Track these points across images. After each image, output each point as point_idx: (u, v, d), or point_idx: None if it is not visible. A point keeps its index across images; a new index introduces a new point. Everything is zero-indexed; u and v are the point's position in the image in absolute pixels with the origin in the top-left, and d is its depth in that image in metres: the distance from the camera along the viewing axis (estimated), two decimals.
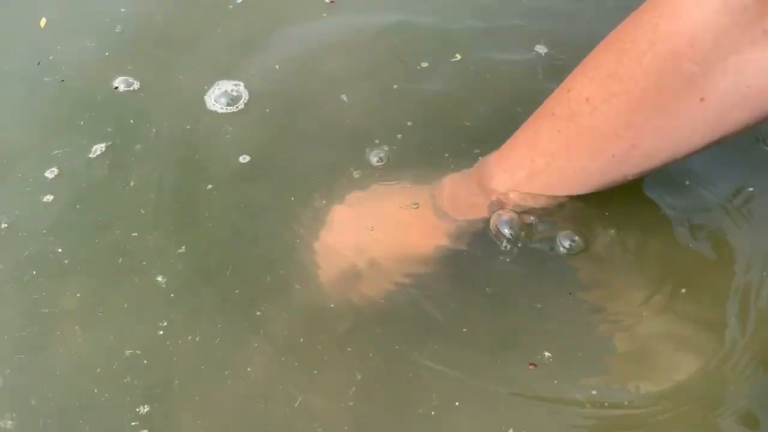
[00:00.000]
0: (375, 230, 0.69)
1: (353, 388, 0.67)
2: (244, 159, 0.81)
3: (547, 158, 0.62)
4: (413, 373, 0.66)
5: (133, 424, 0.66)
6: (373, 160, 0.79)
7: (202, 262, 0.75)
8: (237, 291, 0.73)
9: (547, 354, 0.65)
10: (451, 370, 0.65)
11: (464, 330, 0.67)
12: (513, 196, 0.66)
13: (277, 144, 0.82)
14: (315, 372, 0.68)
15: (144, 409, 0.67)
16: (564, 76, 0.63)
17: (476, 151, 0.74)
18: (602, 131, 0.58)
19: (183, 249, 0.75)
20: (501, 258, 0.69)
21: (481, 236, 0.69)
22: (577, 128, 0.59)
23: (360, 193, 0.73)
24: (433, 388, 0.64)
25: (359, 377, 0.67)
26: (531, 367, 0.62)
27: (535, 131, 0.63)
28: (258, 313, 0.72)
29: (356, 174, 0.78)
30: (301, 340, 0.70)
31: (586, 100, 0.57)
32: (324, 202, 0.77)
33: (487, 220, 0.68)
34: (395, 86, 0.86)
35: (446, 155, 0.78)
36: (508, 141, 0.67)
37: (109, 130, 0.83)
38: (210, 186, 0.79)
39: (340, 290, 0.69)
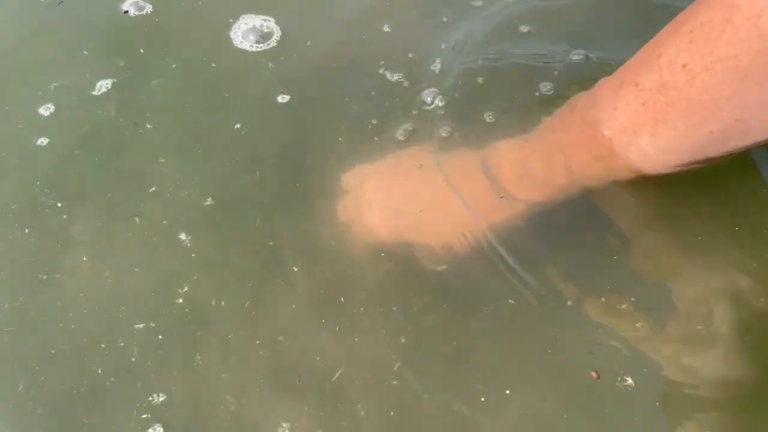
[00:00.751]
0: (419, 215, 0.61)
1: (398, 363, 0.57)
2: (283, 99, 0.69)
3: (629, 136, 0.55)
4: (462, 346, 0.58)
5: (144, 416, 0.55)
6: (427, 99, 0.68)
7: (230, 214, 0.63)
8: (271, 243, 0.61)
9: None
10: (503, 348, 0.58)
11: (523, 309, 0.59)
12: (581, 179, 0.59)
13: (317, 82, 0.70)
14: (356, 340, 0.58)
15: (158, 398, 0.56)
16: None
17: (543, 85, 0.65)
18: (701, 104, 0.50)
19: (210, 201, 0.62)
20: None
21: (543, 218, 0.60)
22: (668, 101, 0.51)
23: (389, 163, 0.64)
24: (482, 368, 0.57)
25: (403, 341, 0.57)
26: (593, 374, 0.56)
27: (613, 103, 0.55)
28: (295, 268, 0.60)
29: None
30: (342, 299, 0.59)
31: (682, 68, 0.50)
32: (376, 138, 0.66)
33: (550, 203, 0.60)
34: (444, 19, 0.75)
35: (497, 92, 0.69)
36: (574, 109, 0.59)
37: (122, 63, 0.70)
38: (239, 126, 0.67)
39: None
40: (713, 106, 0.50)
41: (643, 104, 0.53)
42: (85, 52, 0.71)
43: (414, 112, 0.67)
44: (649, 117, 0.53)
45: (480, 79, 0.69)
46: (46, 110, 0.67)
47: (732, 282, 0.59)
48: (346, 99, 0.69)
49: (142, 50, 0.71)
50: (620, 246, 0.60)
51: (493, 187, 0.59)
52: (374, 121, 0.67)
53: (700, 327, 0.57)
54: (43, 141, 0.65)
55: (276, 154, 0.65)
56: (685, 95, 0.50)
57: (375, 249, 0.61)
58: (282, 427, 0.55)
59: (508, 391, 0.56)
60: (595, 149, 0.57)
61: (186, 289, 0.59)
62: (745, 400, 0.55)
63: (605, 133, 0.56)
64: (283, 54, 0.72)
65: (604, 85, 0.57)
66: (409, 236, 0.61)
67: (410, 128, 0.66)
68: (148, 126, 0.66)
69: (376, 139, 0.66)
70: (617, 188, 0.60)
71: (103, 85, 0.68)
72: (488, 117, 0.66)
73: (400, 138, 0.66)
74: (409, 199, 0.62)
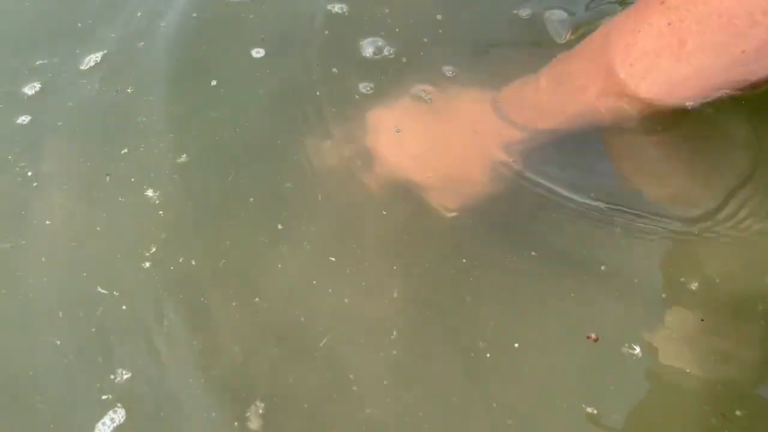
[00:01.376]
0: (426, 152, 0.57)
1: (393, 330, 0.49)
2: (257, 53, 0.64)
3: (651, 60, 0.50)
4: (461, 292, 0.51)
5: (104, 397, 0.48)
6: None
7: (206, 170, 0.57)
8: (252, 199, 0.55)
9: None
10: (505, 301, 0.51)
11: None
12: (593, 114, 0.54)
13: (296, 35, 0.65)
14: (346, 300, 0.51)
15: (122, 376, 0.49)
16: None
17: None
18: (733, 19, 0.46)
19: (184, 158, 0.57)
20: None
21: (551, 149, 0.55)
22: (696, 18, 0.47)
23: (412, 103, 0.60)
24: (481, 320, 0.50)
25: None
26: (591, 338, 0.50)
27: (635, 26, 0.51)
28: (280, 226, 0.54)
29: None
30: (333, 259, 0.53)
31: None
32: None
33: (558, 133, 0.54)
34: None
35: None
36: (594, 36, 0.55)
37: (113, 35, 0.67)
38: (215, 82, 0.62)
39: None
40: (747, 20, 0.45)
41: (669, 23, 0.48)
42: (78, 24, 0.68)
43: None
44: (674, 38, 0.48)
45: None
46: (31, 89, 0.63)
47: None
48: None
49: (139, 14, 0.67)
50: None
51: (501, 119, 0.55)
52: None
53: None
54: (24, 119, 0.61)
55: (254, 111, 0.61)
56: (716, 10, 0.46)
57: (392, 189, 0.55)
58: (256, 405, 0.47)
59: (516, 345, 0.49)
60: (613, 78, 0.52)
61: (153, 250, 0.52)
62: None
63: (626, 59, 0.51)
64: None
65: (627, 10, 0.53)
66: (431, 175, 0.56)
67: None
68: (129, 90, 0.62)
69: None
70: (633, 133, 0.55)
71: (92, 59, 0.65)
72: None
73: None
74: (435, 140, 0.57)
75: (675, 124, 0.54)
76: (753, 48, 0.46)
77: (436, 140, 0.56)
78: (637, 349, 0.48)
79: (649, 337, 0.48)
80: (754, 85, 0.49)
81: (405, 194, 0.54)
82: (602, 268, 0.51)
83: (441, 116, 0.57)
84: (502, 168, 0.54)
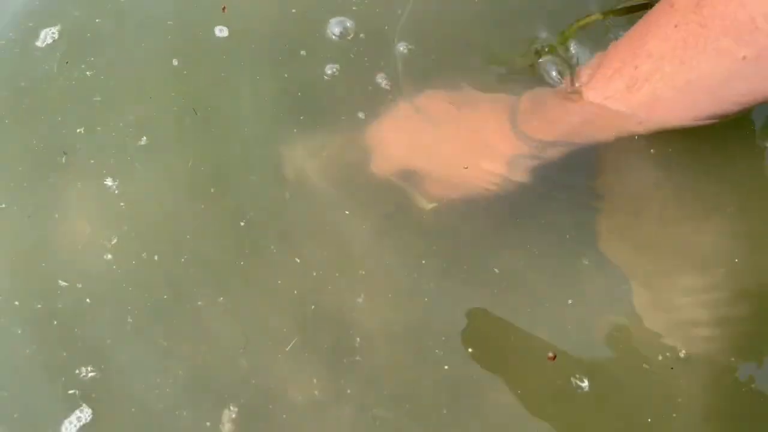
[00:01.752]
0: (442, 143, 0.58)
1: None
2: (221, 31, 0.61)
3: (655, 61, 0.51)
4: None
5: (70, 392, 0.48)
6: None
7: (169, 158, 0.56)
8: (226, 201, 0.54)
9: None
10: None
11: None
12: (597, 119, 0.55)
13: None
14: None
15: (87, 373, 0.49)
16: None
17: None
18: (735, 22, 0.47)
19: (144, 141, 0.55)
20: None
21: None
22: (700, 20, 0.48)
23: (439, 94, 0.61)
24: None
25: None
26: (550, 357, 0.52)
27: (644, 31, 0.52)
28: (242, 223, 0.53)
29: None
30: (298, 261, 0.52)
31: None
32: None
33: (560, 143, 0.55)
34: None
35: None
36: (611, 46, 0.56)
37: (77, 14, 0.64)
38: (176, 62, 0.60)
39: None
40: (749, 25, 0.46)
41: (676, 26, 0.49)
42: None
43: None
44: (679, 40, 0.49)
45: None
46: None
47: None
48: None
49: None
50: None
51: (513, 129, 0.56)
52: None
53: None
54: None
55: (221, 93, 0.59)
56: (719, 13, 0.47)
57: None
58: (230, 410, 0.48)
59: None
60: (617, 83, 0.53)
61: (114, 241, 0.51)
62: None
63: (632, 61, 0.52)
64: None
65: (638, 22, 0.54)
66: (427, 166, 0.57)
67: None
68: (88, 73, 0.60)
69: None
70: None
71: (48, 35, 0.62)
72: None
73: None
74: (447, 134, 0.58)
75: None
76: (753, 55, 0.47)
77: (448, 134, 0.57)
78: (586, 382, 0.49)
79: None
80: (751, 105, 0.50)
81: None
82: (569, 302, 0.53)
83: (456, 116, 0.58)
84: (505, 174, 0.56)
